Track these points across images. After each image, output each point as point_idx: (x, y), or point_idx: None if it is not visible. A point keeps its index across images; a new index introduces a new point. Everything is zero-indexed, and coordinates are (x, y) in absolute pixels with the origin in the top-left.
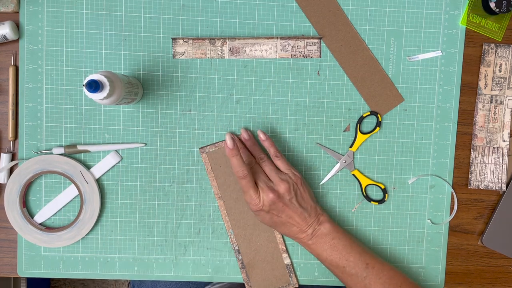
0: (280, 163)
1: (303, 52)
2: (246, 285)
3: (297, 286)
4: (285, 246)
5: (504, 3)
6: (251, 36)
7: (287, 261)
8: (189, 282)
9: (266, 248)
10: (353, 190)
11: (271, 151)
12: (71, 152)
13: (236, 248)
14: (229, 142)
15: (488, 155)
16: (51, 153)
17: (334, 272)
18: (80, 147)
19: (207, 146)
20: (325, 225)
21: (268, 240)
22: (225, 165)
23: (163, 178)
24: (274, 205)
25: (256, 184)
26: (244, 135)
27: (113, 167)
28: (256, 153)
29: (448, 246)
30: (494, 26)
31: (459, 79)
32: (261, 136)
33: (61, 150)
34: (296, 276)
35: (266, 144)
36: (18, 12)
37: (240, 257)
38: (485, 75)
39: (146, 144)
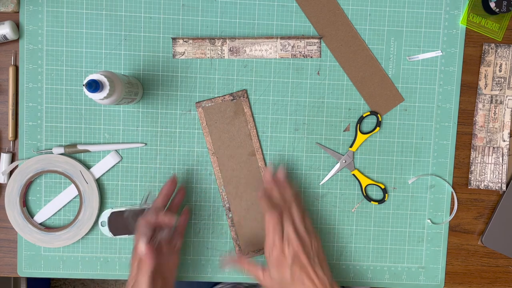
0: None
1: (303, 52)
2: (234, 243)
3: None
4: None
5: (504, 3)
6: (251, 36)
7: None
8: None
9: (257, 207)
10: (353, 190)
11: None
12: (71, 152)
13: (227, 205)
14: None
15: (488, 155)
16: (51, 153)
17: None
18: (80, 147)
19: (203, 101)
20: None
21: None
22: (220, 121)
23: (163, 178)
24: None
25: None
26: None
27: (113, 167)
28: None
29: (448, 246)
30: (494, 26)
31: (459, 79)
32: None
33: (61, 150)
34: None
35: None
36: (18, 12)
37: (230, 215)
38: (485, 75)
39: (146, 144)
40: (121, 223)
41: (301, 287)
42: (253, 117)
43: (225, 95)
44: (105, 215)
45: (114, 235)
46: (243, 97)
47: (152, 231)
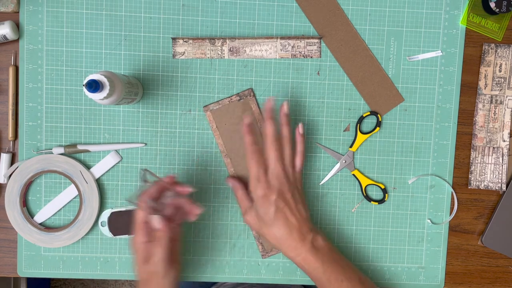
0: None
1: (303, 52)
2: (257, 243)
3: None
4: None
5: (504, 3)
6: (251, 36)
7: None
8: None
9: None
10: (353, 190)
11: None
12: (71, 152)
13: None
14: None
15: (488, 155)
16: (51, 153)
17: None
18: (80, 147)
19: (210, 104)
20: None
21: None
22: (229, 122)
23: None
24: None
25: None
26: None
27: (113, 167)
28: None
29: (448, 246)
30: (494, 26)
31: (459, 79)
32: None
33: (61, 150)
34: (311, 224)
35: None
36: (18, 12)
37: None
38: (485, 75)
39: (146, 144)
40: (121, 223)
41: (284, 223)
42: (261, 114)
43: (231, 96)
44: (105, 215)
45: (114, 235)
46: (250, 96)
47: (155, 203)
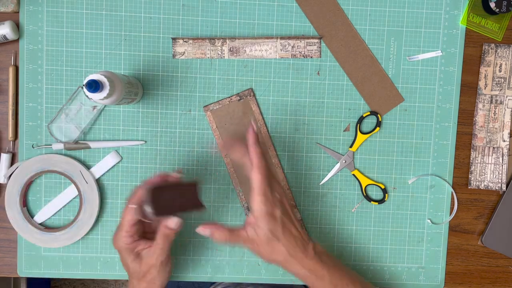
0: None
1: (303, 52)
2: None
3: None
4: (294, 201)
5: (504, 3)
6: (251, 36)
7: (297, 215)
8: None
9: None
10: (353, 190)
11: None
12: (71, 148)
13: (246, 205)
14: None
15: (488, 155)
16: (51, 148)
17: None
18: (80, 142)
19: (210, 104)
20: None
21: None
22: (230, 122)
23: None
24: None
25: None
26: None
27: (113, 167)
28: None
29: (448, 246)
30: (494, 26)
31: (459, 79)
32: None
33: (61, 146)
34: (306, 231)
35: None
36: (18, 12)
37: (249, 215)
38: (485, 75)
39: (146, 141)
40: (166, 201)
41: (289, 236)
42: (261, 114)
43: (231, 96)
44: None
45: (157, 215)
46: (250, 96)
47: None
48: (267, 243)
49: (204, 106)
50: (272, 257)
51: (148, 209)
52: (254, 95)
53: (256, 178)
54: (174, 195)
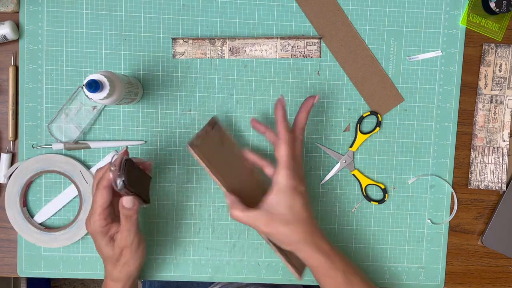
0: None
1: (303, 52)
2: (285, 263)
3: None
4: None
5: (504, 3)
6: (251, 36)
7: None
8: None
9: None
10: (353, 190)
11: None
12: (71, 148)
13: None
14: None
15: (488, 155)
16: (51, 148)
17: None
18: (80, 142)
19: (192, 140)
20: None
21: None
22: (214, 155)
23: (163, 178)
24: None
25: None
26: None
27: None
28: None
29: (448, 246)
30: (494, 26)
31: (459, 79)
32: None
33: (61, 146)
34: None
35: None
36: (18, 12)
37: None
38: (485, 75)
39: (146, 141)
40: (136, 178)
41: (311, 211)
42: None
43: (204, 128)
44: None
45: (130, 190)
46: (217, 124)
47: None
48: (286, 221)
49: (187, 143)
50: (291, 237)
51: (122, 178)
52: (218, 121)
53: (283, 151)
54: (139, 176)
